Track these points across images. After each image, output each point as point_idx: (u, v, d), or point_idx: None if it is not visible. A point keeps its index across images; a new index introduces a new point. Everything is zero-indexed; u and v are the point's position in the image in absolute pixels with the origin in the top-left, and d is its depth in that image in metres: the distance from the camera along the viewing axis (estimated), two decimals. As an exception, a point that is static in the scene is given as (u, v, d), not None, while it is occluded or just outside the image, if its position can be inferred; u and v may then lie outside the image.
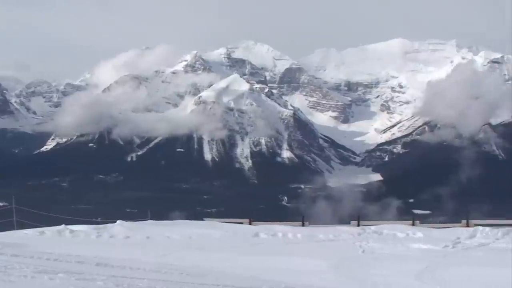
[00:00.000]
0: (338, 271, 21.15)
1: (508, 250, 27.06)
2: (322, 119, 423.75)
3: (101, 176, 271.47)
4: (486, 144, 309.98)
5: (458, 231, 33.02)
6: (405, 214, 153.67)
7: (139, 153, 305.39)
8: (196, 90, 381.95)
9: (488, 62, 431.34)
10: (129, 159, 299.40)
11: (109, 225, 34.85)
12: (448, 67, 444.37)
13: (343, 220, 49.46)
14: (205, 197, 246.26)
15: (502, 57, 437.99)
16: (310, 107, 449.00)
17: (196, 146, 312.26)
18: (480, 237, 31.04)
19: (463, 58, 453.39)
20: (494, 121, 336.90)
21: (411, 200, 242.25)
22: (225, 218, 45.03)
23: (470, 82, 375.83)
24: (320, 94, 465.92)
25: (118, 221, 36.03)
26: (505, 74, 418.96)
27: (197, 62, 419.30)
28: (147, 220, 41.05)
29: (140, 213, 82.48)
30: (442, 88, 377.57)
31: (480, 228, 33.38)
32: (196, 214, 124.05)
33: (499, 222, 38.06)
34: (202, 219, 44.60)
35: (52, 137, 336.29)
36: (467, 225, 36.58)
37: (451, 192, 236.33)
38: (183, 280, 17.62)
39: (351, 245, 28.71)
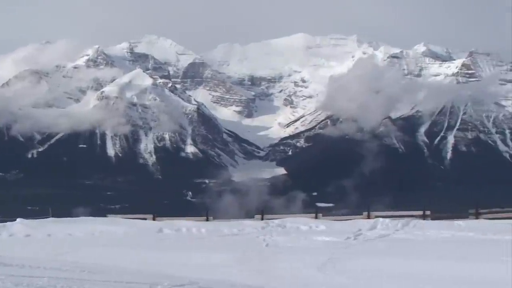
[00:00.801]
0: (242, 264, 21.21)
1: (407, 241, 27.79)
2: (226, 114, 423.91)
3: (0, 173, 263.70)
4: (387, 137, 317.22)
5: (360, 223, 33.66)
6: (309, 207, 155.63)
7: (40, 150, 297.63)
8: (98, 85, 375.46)
9: (388, 57, 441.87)
10: (29, 155, 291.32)
11: (8, 223, 33.93)
12: (350, 61, 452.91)
13: (249, 214, 49.65)
14: (108, 193, 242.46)
15: (401, 52, 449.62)
16: (214, 102, 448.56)
17: (99, 141, 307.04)
18: (381, 229, 31.73)
19: (364, 53, 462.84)
20: (394, 114, 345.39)
21: (315, 193, 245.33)
22: (128, 214, 44.60)
23: (370, 77, 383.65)
24: (224, 89, 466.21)
25: (18, 219, 35.18)
26: (404, 69, 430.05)
27: (99, 57, 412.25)
28: (48, 217, 40.13)
29: (41, 211, 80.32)
30: (344, 82, 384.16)
31: (381, 219, 34.13)
32: (99, 210, 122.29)
33: (399, 214, 39.01)
34: (105, 216, 43.99)
35: None
36: (368, 217, 37.34)
37: (354, 184, 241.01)
38: (85, 277, 17.25)
39: (255, 239, 28.85)
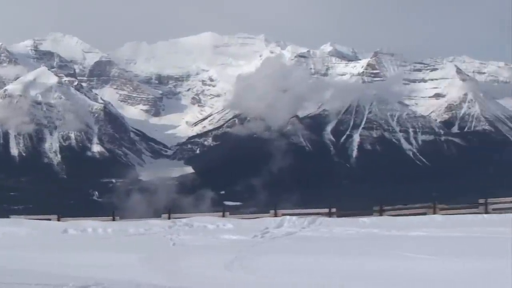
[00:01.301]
0: (148, 264, 21.00)
1: (313, 238, 28.12)
2: (133, 113, 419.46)
3: None
4: (294, 136, 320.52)
5: (267, 221, 33.85)
6: (217, 206, 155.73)
7: None
8: (1, 83, 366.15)
9: (295, 57, 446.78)
10: None
11: None
12: (257, 61, 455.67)
13: (157, 214, 49.29)
14: (11, 193, 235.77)
15: (308, 51, 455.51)
16: (121, 101, 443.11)
17: (1, 141, 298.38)
18: (287, 226, 32.00)
19: (272, 52, 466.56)
20: (301, 113, 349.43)
21: (223, 192, 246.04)
22: (32, 215, 43.56)
23: (278, 76, 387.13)
24: (131, 87, 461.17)
25: None
26: (311, 68, 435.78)
27: (2, 54, 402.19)
28: None
29: None
30: (252, 81, 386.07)
31: (288, 217, 34.42)
32: (1, 211, 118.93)
33: (306, 212, 39.43)
34: (8, 217, 42.85)
35: None
36: (275, 215, 37.58)
37: (262, 183, 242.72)
38: (-15, 281, 16.73)
39: (162, 238, 28.65)
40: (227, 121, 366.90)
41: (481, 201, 38.66)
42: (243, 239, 27.61)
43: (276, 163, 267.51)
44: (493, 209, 37.82)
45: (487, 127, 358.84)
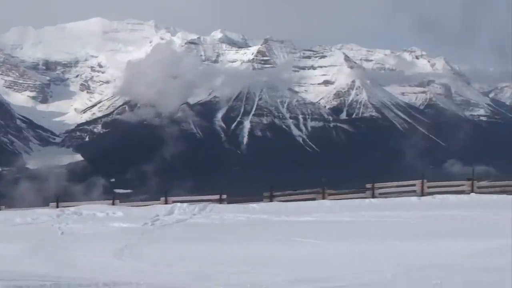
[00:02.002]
0: (35, 254, 20.54)
1: (204, 225, 28.19)
2: (20, 99, 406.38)
3: None
4: (185, 122, 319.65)
5: (157, 209, 33.66)
6: (108, 194, 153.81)
7: None
8: None
9: (186, 43, 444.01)
10: None
11: None
12: (147, 47, 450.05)
13: (46, 202, 48.06)
14: None
15: (199, 38, 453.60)
16: (6, 87, 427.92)
17: None
18: (178, 213, 31.93)
19: (162, 39, 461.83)
20: (192, 100, 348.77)
21: (113, 180, 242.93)
22: None
23: (168, 62, 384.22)
24: (17, 73, 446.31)
25: None
26: (201, 55, 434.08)
27: None
28: None
29: None
30: (142, 68, 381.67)
31: (178, 204, 34.33)
32: None
33: (196, 198, 39.44)
34: None
35: None
36: (166, 202, 37.41)
37: (153, 170, 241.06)
38: None
39: (50, 227, 28.04)
40: (117, 108, 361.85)
41: (368, 186, 39.64)
42: (133, 227, 27.39)
43: (167, 150, 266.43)
44: (380, 194, 38.90)
45: (374, 113, 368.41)
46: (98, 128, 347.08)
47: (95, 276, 16.09)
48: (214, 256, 18.64)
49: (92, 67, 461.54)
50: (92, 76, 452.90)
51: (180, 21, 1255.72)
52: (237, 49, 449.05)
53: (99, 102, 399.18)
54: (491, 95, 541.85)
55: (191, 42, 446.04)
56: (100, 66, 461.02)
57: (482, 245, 18.29)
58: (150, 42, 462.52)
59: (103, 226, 28.09)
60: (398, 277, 13.90)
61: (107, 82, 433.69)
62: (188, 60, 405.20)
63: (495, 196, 36.28)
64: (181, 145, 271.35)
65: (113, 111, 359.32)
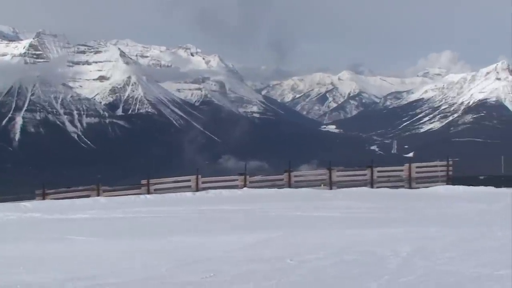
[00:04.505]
0: None
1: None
2: None
3: None
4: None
5: None
6: None
7: None
8: None
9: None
10: None
11: None
12: None
13: None
14: None
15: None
16: None
17: None
18: None
19: None
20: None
21: None
22: None
23: None
24: None
25: None
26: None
27: None
28: None
29: None
30: None
31: None
32: None
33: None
34: None
35: None
36: None
37: None
38: None
39: None
40: None
41: (144, 182, 39.79)
42: None
43: None
44: (155, 190, 39.17)
45: (150, 109, 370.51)
46: None
47: None
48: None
49: None
50: None
51: None
52: (7, 42, 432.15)
53: None
54: (263, 92, 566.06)
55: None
56: None
57: (253, 237, 18.98)
58: None
59: None
60: (173, 272, 14.06)
61: None
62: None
63: (266, 190, 37.77)
64: None
65: None
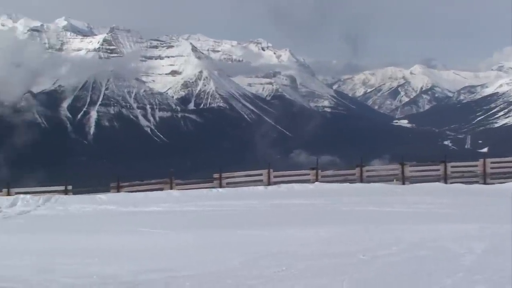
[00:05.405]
0: None
1: (49, 216, 27.46)
2: None
3: None
4: (28, 112, 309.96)
5: (-1, 200, 32.52)
6: None
7: None
8: None
9: (29, 30, 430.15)
10: None
11: None
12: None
13: None
14: None
15: (42, 25, 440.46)
16: None
17: None
18: (21, 205, 30.94)
19: (3, 25, 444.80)
20: (36, 89, 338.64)
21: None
22: None
23: (11, 50, 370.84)
24: None
25: None
26: (45, 43, 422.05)
27: None
28: None
29: None
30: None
31: (21, 196, 33.30)
32: None
33: (41, 190, 38.36)
34: None
35: None
36: (8, 194, 36.20)
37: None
38: None
39: None
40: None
41: (216, 175, 40.03)
42: (-27, 221, 26.29)
43: (9, 141, 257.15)
44: (227, 183, 39.39)
45: (222, 104, 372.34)
46: None
47: None
48: (59, 248, 18.19)
49: None
50: None
51: (23, 7, 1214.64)
52: (82, 37, 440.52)
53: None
54: (334, 87, 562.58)
55: (34, 30, 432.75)
56: None
57: (325, 232, 18.93)
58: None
59: None
60: (245, 265, 14.14)
61: None
62: (31, 48, 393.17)
63: (338, 185, 37.56)
64: (25, 135, 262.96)
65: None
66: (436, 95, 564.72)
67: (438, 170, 42.08)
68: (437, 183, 39.27)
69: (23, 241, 20.12)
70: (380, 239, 17.51)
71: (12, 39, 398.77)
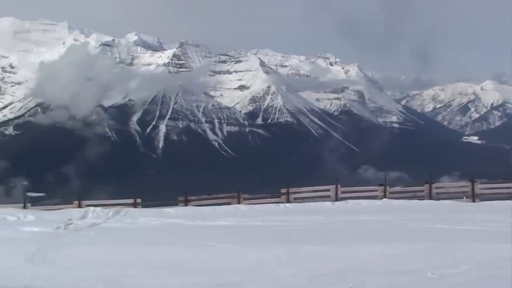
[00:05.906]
0: None
1: (118, 229, 27.89)
2: None
3: None
4: (99, 125, 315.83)
5: (70, 213, 33.14)
6: (20, 198, 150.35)
7: None
8: None
9: (100, 45, 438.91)
10: None
11: None
12: (61, 48, 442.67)
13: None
14: None
15: (113, 40, 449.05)
16: None
17: None
18: (92, 217, 31.50)
19: (76, 40, 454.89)
20: (107, 103, 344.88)
21: (25, 183, 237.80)
22: None
23: (83, 64, 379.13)
24: None
25: None
26: (116, 57, 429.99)
27: None
28: None
29: None
30: (55, 69, 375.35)
31: (92, 208, 33.91)
32: None
33: (110, 202, 39.02)
34: None
35: None
36: (79, 206, 36.90)
37: (66, 174, 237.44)
38: None
39: (-42, 232, 27.21)
40: (29, 110, 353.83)
41: (283, 191, 40.03)
42: (45, 231, 26.84)
43: (81, 154, 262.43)
44: (295, 199, 39.36)
45: (289, 119, 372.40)
46: (10, 130, 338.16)
47: (5, 281, 15.70)
48: (128, 261, 18.47)
49: (3, 67, 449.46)
50: (3, 77, 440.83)
51: (95, 22, 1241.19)
52: (152, 52, 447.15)
53: (11, 103, 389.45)
54: (403, 102, 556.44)
55: (106, 44, 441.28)
56: (11, 67, 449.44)
57: (393, 249, 18.72)
58: (63, 43, 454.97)
59: (14, 230, 27.43)
60: (311, 281, 14.09)
61: (19, 83, 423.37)
62: (102, 63, 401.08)
63: (406, 201, 37.15)
64: (96, 148, 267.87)
65: (25, 113, 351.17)
66: (507, 111, 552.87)
67: (509, 187, 41.26)
68: (508, 201, 38.43)
69: (93, 253, 20.46)
70: (449, 257, 17.24)
71: (84, 53, 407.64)
